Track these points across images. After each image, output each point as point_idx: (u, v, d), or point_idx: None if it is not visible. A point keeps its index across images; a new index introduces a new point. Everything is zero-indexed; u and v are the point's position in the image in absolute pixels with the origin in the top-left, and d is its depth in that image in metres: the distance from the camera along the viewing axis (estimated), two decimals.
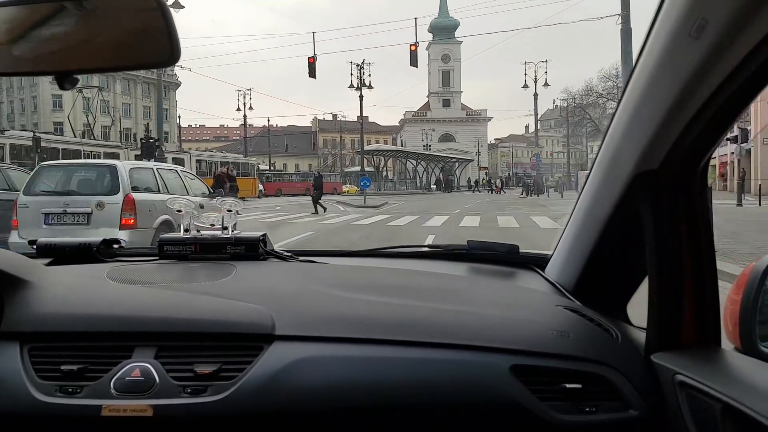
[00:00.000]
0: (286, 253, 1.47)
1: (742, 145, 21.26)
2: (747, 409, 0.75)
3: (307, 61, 26.85)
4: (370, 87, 37.57)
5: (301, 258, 1.49)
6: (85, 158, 19.53)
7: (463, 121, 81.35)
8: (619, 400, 0.95)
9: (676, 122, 0.87)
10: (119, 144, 29.82)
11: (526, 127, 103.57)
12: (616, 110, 1.01)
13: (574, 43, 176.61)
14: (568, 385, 0.95)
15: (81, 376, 0.95)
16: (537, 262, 1.53)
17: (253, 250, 1.41)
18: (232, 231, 1.44)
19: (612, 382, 0.96)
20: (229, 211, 1.43)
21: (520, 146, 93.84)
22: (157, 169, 8.74)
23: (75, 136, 27.87)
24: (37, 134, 22.43)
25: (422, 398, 0.94)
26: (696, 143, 0.89)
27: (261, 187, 40.40)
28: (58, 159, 17.06)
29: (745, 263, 3.74)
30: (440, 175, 60.35)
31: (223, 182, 17.97)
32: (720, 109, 0.82)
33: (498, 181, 53.59)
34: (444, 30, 71.49)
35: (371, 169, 48.77)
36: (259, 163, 44.55)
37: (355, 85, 37.17)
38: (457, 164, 64.16)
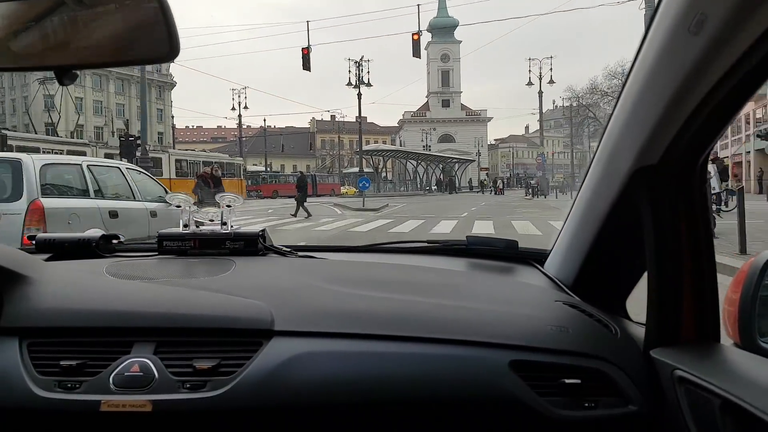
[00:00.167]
0: (285, 249, 1.48)
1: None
2: (746, 405, 0.75)
3: (301, 54, 25.69)
4: (368, 85, 36.63)
5: (300, 253, 1.49)
6: None
7: (463, 122, 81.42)
8: (618, 396, 0.95)
9: (675, 118, 0.87)
10: (86, 142, 27.33)
11: (527, 128, 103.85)
12: (615, 106, 1.01)
13: (575, 42, 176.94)
14: (567, 381, 0.95)
15: (80, 372, 0.95)
16: (536, 258, 1.53)
17: (253, 245, 1.41)
18: (231, 226, 1.44)
19: (611, 377, 0.96)
20: (229, 206, 1.43)
21: (520, 146, 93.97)
22: (87, 166, 6.60)
23: (35, 132, 26.03)
24: None
25: (421, 393, 0.94)
26: (695, 139, 0.89)
27: (259, 189, 39.77)
28: None
29: None
30: (441, 176, 60.15)
31: (206, 183, 16.53)
32: (719, 104, 0.82)
33: (499, 182, 53.51)
34: (443, 29, 71.48)
35: (370, 169, 48.42)
36: (244, 164, 42.84)
37: (354, 83, 36.14)
38: (457, 165, 64.14)
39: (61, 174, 6.27)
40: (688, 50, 0.78)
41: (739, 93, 0.80)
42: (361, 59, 36.66)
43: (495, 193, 47.26)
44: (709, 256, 0.96)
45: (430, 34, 73.21)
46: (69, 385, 0.94)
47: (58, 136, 27.48)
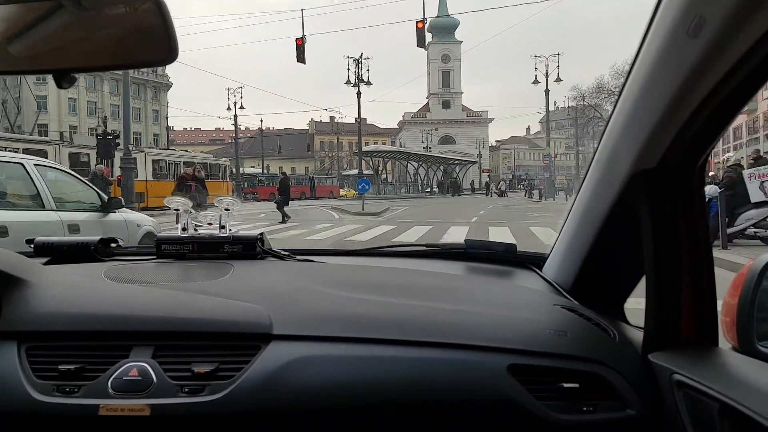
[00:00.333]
0: (283, 252, 1.48)
1: None
2: (744, 409, 0.74)
3: (296, 48, 23.54)
4: (368, 83, 35.86)
5: (299, 257, 1.49)
6: None
7: (464, 123, 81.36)
8: (617, 400, 0.95)
9: (674, 121, 0.87)
10: (48, 140, 24.23)
11: (528, 129, 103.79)
12: (614, 108, 1.01)
13: (577, 42, 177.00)
14: (565, 385, 0.95)
15: (78, 376, 0.95)
16: (534, 261, 1.53)
17: (251, 249, 1.41)
18: (230, 230, 1.44)
19: (609, 381, 0.96)
20: (227, 209, 1.43)
21: (521, 148, 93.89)
22: None
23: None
24: None
25: (420, 397, 0.94)
26: (694, 141, 0.89)
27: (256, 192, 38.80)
28: None
29: None
30: (443, 178, 59.81)
31: (186, 185, 14.36)
32: (718, 107, 0.82)
33: (502, 183, 53.38)
34: (443, 30, 71.47)
35: (370, 171, 47.83)
36: (238, 165, 41.53)
37: (353, 81, 35.34)
38: (458, 166, 64.04)
39: None
40: (686, 53, 0.78)
41: (738, 96, 0.80)
42: (360, 57, 36.08)
43: (498, 195, 46.91)
44: (708, 260, 0.96)
45: (430, 35, 73.21)
46: (67, 390, 0.94)
47: (13, 132, 25.25)
